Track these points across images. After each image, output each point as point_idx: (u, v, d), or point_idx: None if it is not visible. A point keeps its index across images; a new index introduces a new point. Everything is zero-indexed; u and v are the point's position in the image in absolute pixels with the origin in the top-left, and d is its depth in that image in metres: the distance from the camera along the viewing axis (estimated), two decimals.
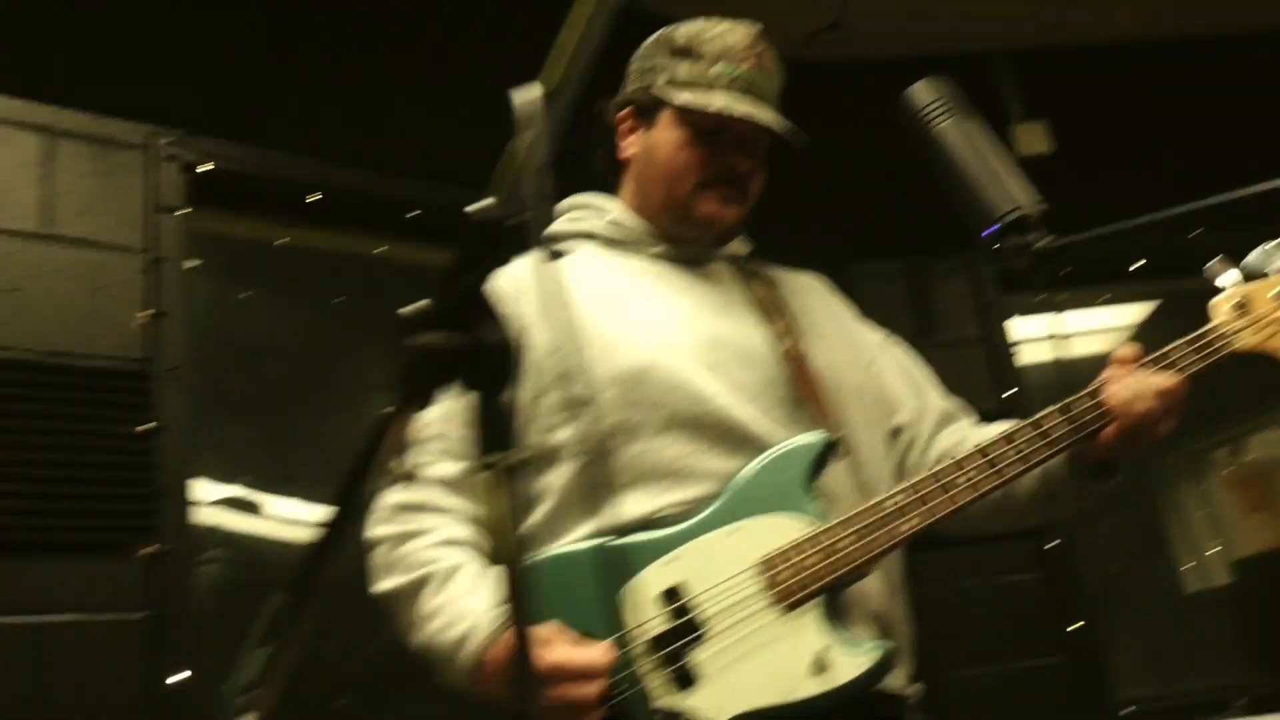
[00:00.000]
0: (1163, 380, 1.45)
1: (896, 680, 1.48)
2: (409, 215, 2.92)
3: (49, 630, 2.12)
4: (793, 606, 1.38)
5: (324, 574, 0.85)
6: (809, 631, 1.38)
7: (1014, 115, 3.62)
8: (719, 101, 1.57)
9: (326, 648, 2.93)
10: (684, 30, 1.65)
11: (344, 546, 0.86)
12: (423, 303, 0.83)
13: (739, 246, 1.73)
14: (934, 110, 1.36)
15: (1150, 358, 1.50)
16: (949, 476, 1.45)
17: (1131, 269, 3.52)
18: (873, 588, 1.49)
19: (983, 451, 1.47)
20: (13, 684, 2.06)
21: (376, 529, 1.51)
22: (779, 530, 1.42)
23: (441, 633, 1.40)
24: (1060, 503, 1.57)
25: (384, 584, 1.48)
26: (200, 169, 2.58)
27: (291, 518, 2.89)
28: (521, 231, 0.79)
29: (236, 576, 2.65)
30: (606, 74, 1.70)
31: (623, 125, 1.70)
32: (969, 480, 1.46)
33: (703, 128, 1.60)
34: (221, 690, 2.63)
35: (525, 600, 0.79)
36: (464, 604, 1.41)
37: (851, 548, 1.41)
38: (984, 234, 1.27)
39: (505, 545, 0.79)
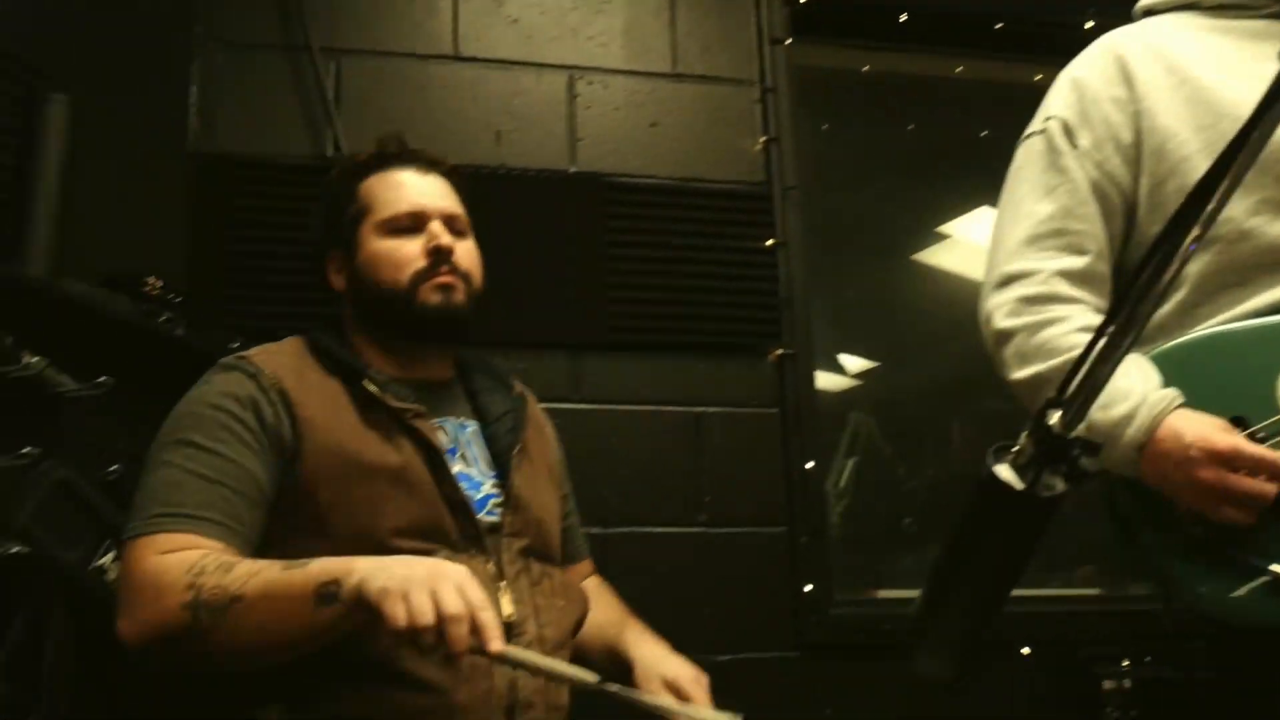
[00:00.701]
0: None
1: None
2: (995, 27, 2.88)
3: (702, 419, 2.44)
4: None
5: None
6: None
7: None
8: None
9: (895, 468, 3.07)
10: None
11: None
12: None
13: None
14: None
15: None
16: None
17: None
18: None
19: None
20: (676, 459, 2.41)
21: (1006, 321, 1.51)
22: None
23: (1098, 411, 1.36)
24: None
25: (1023, 371, 1.49)
26: (801, 0, 2.72)
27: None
28: None
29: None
30: None
31: None
32: None
33: None
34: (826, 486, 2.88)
35: None
36: (1121, 383, 1.37)
37: None
38: None
39: None
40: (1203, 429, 1.31)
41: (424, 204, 1.68)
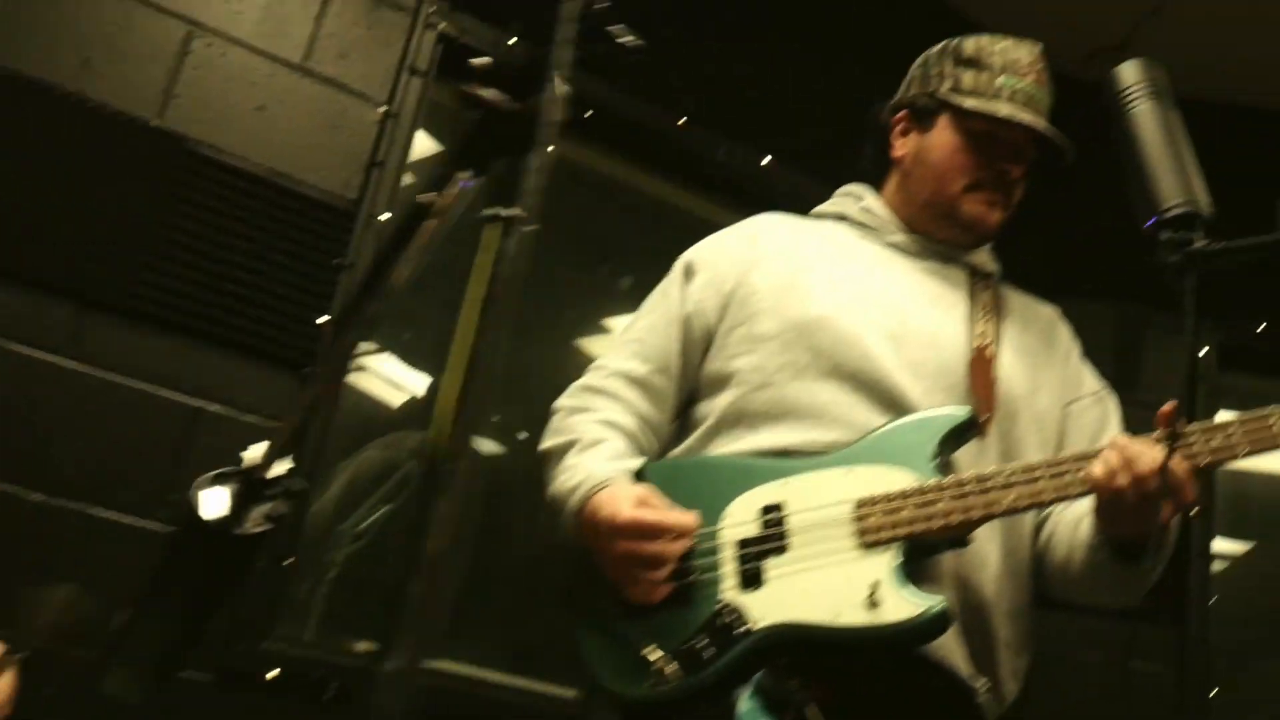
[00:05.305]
0: (1153, 459, 1.35)
1: (963, 663, 1.49)
2: (585, 115, 2.89)
3: (200, 415, 2.31)
4: (870, 544, 1.43)
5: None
6: (876, 569, 1.42)
7: None
8: (1005, 109, 1.66)
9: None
10: (970, 42, 1.75)
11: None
12: (487, 59, 0.88)
13: (988, 263, 1.80)
14: (1139, 90, 1.27)
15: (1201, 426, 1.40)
16: (1061, 465, 1.46)
17: None
18: (986, 578, 1.52)
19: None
20: (158, 449, 2.26)
21: (561, 400, 1.71)
22: (888, 479, 1.48)
23: (564, 483, 1.56)
24: (1102, 583, 1.52)
25: (545, 443, 1.67)
26: (452, 40, 2.71)
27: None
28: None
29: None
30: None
31: (897, 126, 1.80)
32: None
33: (980, 134, 1.70)
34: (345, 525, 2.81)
35: None
36: (592, 464, 1.56)
37: (945, 507, 1.43)
38: (1147, 224, 1.19)
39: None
40: (618, 502, 1.48)
41: None
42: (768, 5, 3.15)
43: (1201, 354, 3.21)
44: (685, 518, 1.47)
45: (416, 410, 3.36)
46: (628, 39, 0.99)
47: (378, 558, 2.94)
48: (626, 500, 1.48)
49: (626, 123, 2.93)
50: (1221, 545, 3.84)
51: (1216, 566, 3.63)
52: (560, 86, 0.88)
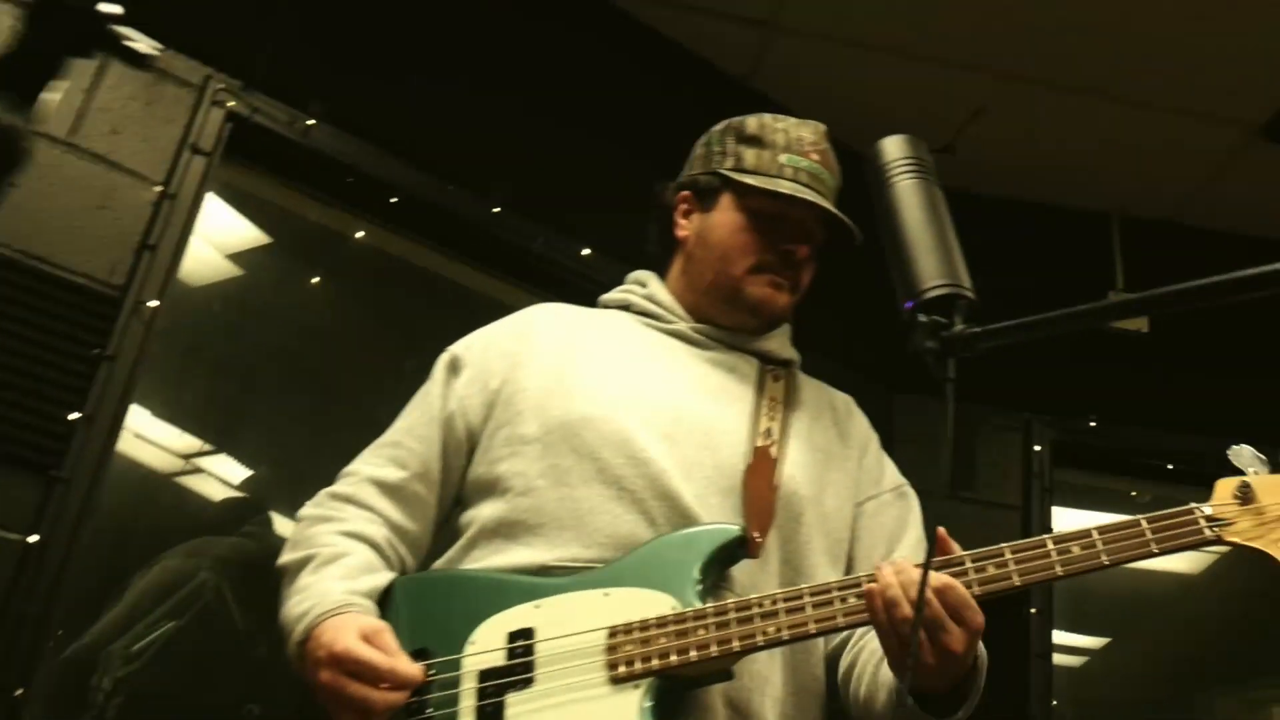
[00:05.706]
0: (931, 580, 1.23)
1: None
2: (391, 200, 2.76)
3: None
4: (621, 679, 1.29)
5: None
6: (625, 707, 1.27)
7: (1117, 284, 3.36)
8: (786, 187, 1.57)
9: (252, 653, 2.81)
10: (753, 120, 1.68)
11: None
12: None
13: (782, 349, 1.68)
14: (902, 166, 1.17)
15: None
16: (827, 594, 1.31)
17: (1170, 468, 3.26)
18: (766, 701, 1.38)
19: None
20: None
21: (305, 508, 1.57)
22: (647, 605, 1.33)
23: (292, 608, 1.41)
24: None
25: (282, 557, 1.51)
26: (242, 119, 2.53)
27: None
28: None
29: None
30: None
31: (680, 206, 1.72)
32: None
33: (763, 213, 1.61)
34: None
35: None
36: (326, 585, 1.40)
37: (704, 637, 1.28)
38: (908, 304, 1.07)
39: None
40: (341, 631, 1.31)
41: None
42: (586, 94, 3.07)
43: (1036, 449, 3.17)
44: (407, 669, 1.31)
45: (238, 510, 3.13)
46: (140, 44, 0.83)
47: (156, 680, 2.66)
48: (351, 631, 1.32)
49: (437, 209, 2.77)
50: (1073, 640, 3.77)
51: (1070, 663, 3.55)
52: (49, 96, 0.72)
